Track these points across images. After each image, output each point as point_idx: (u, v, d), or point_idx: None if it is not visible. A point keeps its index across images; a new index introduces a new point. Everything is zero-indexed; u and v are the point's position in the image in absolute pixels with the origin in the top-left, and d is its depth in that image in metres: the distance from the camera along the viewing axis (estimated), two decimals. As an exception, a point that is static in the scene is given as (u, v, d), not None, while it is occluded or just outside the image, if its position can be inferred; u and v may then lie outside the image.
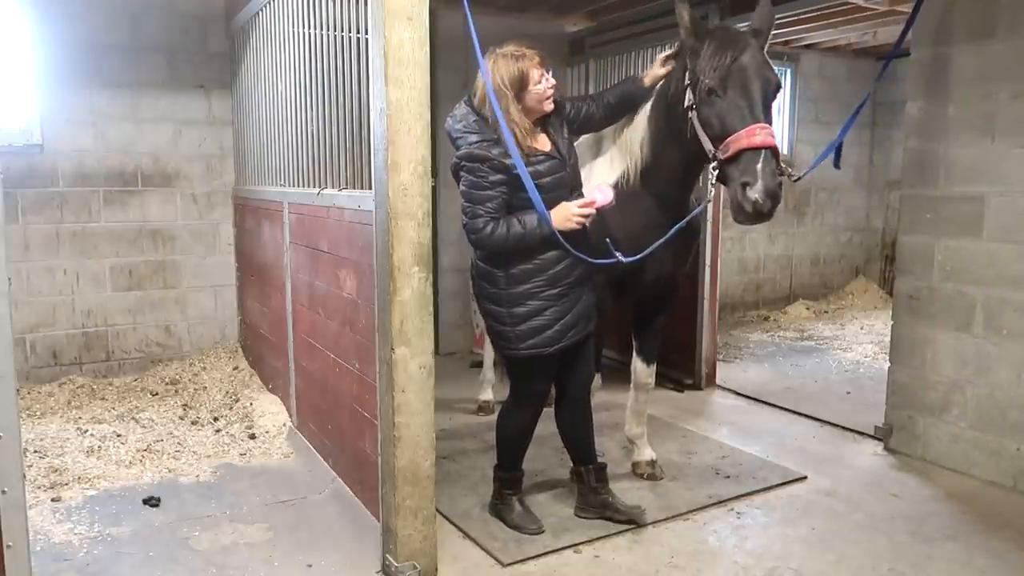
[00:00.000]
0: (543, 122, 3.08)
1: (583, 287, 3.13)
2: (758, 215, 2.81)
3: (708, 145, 2.96)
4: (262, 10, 4.52)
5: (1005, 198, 3.71)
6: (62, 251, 5.13)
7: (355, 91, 3.41)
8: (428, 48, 2.69)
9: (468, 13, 2.88)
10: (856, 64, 8.31)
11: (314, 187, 3.90)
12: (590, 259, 3.06)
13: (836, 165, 3.72)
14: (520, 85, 2.92)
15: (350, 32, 3.44)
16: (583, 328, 3.14)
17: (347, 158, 3.62)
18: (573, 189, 3.10)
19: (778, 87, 2.98)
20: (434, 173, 5.30)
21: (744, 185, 2.79)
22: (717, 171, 2.94)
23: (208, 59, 5.41)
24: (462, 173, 2.97)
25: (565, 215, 2.92)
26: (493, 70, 2.91)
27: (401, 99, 2.65)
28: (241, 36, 5.09)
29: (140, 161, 5.28)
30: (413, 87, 2.66)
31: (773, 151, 2.83)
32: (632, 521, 3.31)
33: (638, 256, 3.11)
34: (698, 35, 3.02)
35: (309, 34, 3.84)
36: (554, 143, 3.08)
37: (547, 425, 3.40)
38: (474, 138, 2.93)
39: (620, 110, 3.40)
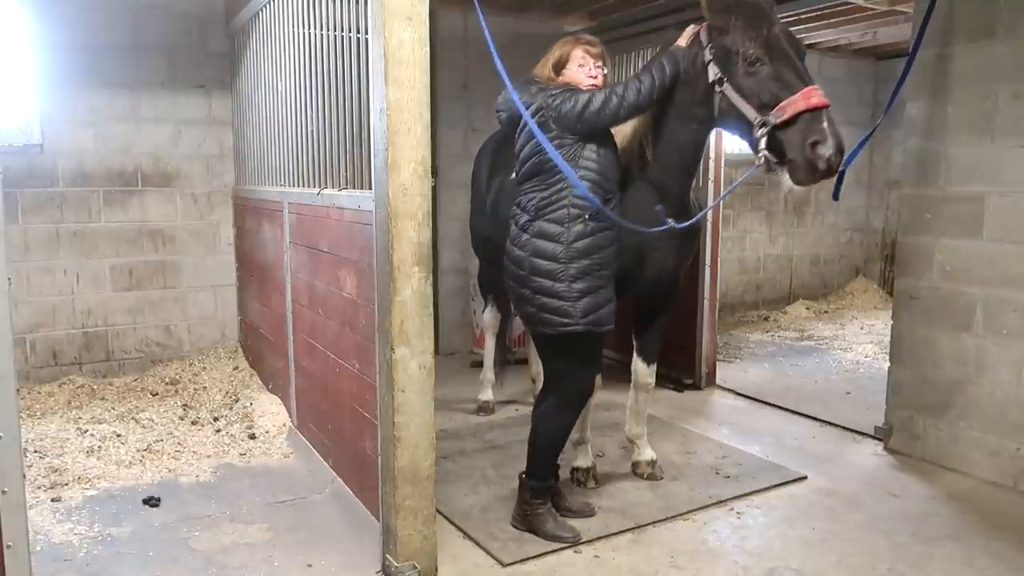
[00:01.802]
0: None
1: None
2: (829, 171, 2.87)
3: (751, 113, 2.97)
4: (262, 10, 4.52)
5: (1005, 198, 3.71)
6: (62, 251, 5.12)
7: (355, 91, 3.41)
8: (428, 48, 2.69)
9: (480, 13, 2.95)
10: (856, 64, 8.31)
11: (314, 187, 3.90)
12: (645, 228, 3.12)
13: (835, 196, 3.67)
14: (558, 63, 3.16)
15: (350, 32, 3.44)
16: (613, 318, 3.15)
17: (347, 158, 3.61)
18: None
19: (805, 53, 3.08)
20: (434, 173, 5.30)
21: (815, 144, 2.83)
22: (766, 138, 2.94)
23: (208, 59, 5.41)
24: (563, 105, 2.99)
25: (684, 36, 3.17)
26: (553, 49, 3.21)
27: (401, 99, 2.65)
28: (241, 36, 5.09)
29: (140, 161, 5.28)
30: (413, 87, 2.66)
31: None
32: (584, 516, 3.38)
33: (689, 223, 3.25)
34: (719, 11, 3.05)
35: (309, 34, 3.84)
36: None
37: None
38: (535, 88, 3.11)
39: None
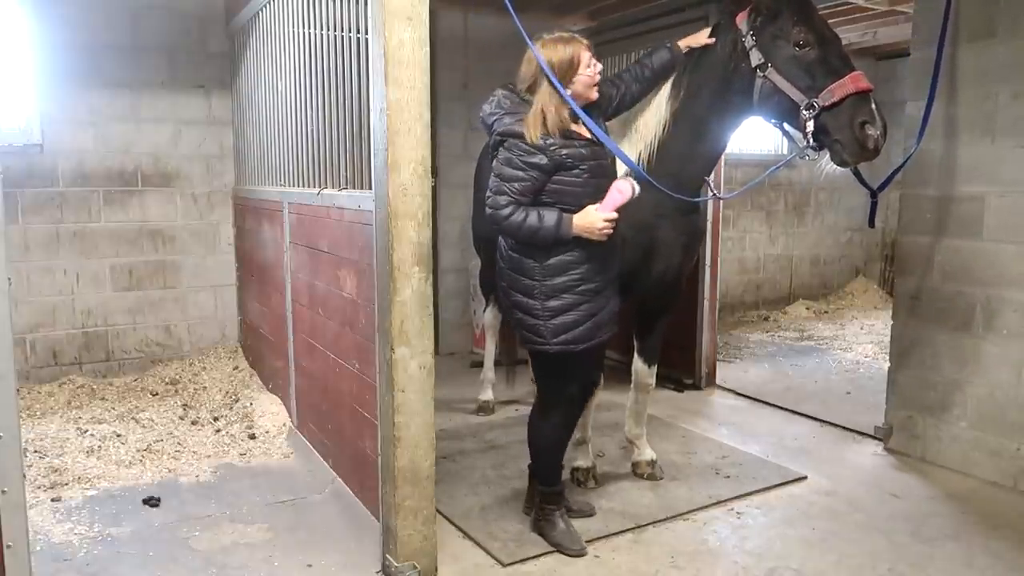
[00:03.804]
0: (584, 110, 2.99)
1: (614, 286, 3.08)
2: (875, 151, 2.96)
3: (798, 96, 3.05)
4: (262, 10, 4.52)
5: (1005, 198, 3.71)
6: (62, 251, 5.12)
7: (355, 91, 3.41)
8: (428, 48, 2.69)
9: (510, 7, 2.92)
10: (856, 64, 8.29)
11: (314, 187, 3.90)
12: (690, 199, 3.15)
13: (871, 224, 3.72)
14: (570, 68, 2.87)
15: (350, 32, 3.44)
16: (609, 329, 3.06)
17: (347, 158, 3.61)
18: (609, 178, 3.03)
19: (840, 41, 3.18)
20: (434, 173, 5.30)
21: (864, 124, 2.94)
22: (812, 120, 3.01)
23: (208, 59, 5.41)
24: (500, 149, 2.90)
25: (589, 223, 2.83)
26: (544, 53, 2.87)
27: (401, 99, 2.65)
28: (241, 36, 5.09)
29: (140, 161, 5.28)
30: (413, 87, 2.66)
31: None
32: (585, 516, 3.36)
33: (735, 193, 3.29)
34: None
35: (309, 34, 3.84)
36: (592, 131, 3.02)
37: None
38: (508, 119, 2.89)
39: (656, 81, 3.38)
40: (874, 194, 3.51)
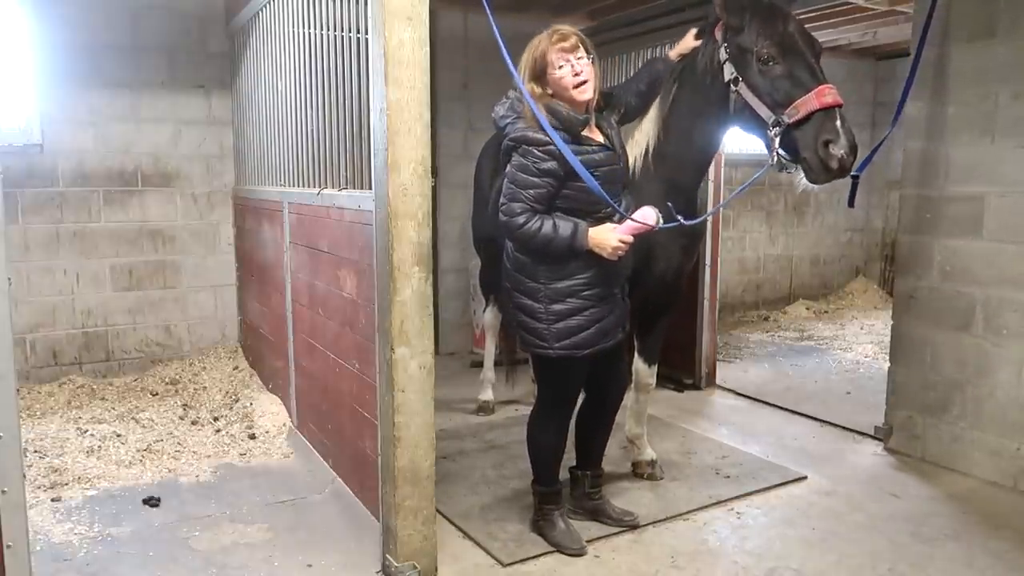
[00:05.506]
0: (595, 115, 2.96)
1: (622, 292, 3.07)
2: (842, 171, 2.87)
3: (765, 112, 2.98)
4: (262, 10, 4.52)
5: (1005, 198, 3.71)
6: (62, 251, 5.12)
7: (355, 91, 3.41)
8: (428, 48, 2.70)
9: (489, 10, 2.88)
10: (856, 64, 8.31)
11: (314, 187, 3.90)
12: (666, 223, 3.02)
13: (850, 204, 3.63)
14: (542, 69, 2.79)
15: (350, 32, 3.44)
16: (616, 334, 3.04)
17: (347, 158, 3.61)
18: (625, 185, 3.02)
19: (821, 51, 3.06)
20: (434, 173, 5.30)
21: (827, 143, 2.84)
22: (779, 137, 2.95)
23: (208, 59, 5.41)
24: (513, 155, 2.85)
25: (603, 240, 2.81)
26: (525, 50, 2.82)
27: (401, 99, 2.65)
28: (241, 36, 5.09)
29: (140, 161, 5.28)
30: (413, 87, 2.66)
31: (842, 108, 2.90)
32: (626, 526, 3.31)
33: (699, 219, 3.22)
34: (734, 11, 3.07)
35: (309, 34, 3.84)
36: (607, 135, 2.98)
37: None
38: (521, 123, 2.82)
39: (651, 95, 3.38)
40: (854, 176, 3.42)
